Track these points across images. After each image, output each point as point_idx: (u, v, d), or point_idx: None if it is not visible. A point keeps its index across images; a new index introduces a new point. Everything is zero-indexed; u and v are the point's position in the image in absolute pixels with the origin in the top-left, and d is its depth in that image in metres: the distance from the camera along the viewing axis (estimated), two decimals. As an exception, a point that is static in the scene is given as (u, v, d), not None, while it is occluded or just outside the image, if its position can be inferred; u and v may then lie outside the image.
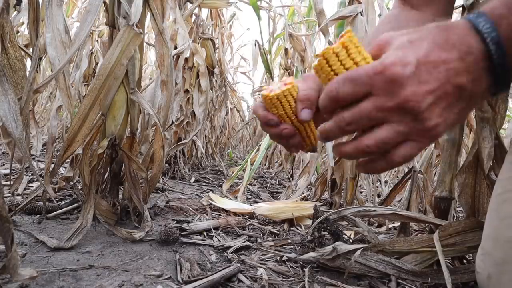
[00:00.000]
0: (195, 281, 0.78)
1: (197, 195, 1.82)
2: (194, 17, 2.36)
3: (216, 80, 3.10)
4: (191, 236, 1.12)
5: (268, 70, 2.66)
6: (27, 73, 0.84)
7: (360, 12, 1.58)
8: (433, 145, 1.64)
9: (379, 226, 1.53)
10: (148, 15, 1.19)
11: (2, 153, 2.24)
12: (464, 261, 0.98)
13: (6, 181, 1.33)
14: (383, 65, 0.37)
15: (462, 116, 0.40)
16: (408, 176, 1.32)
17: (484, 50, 0.37)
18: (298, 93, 0.54)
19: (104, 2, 1.11)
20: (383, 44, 0.40)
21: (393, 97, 0.37)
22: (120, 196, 1.21)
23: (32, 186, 1.44)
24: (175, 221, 1.26)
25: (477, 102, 0.40)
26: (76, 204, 1.20)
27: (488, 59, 0.37)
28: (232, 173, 2.60)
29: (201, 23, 2.45)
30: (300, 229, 1.35)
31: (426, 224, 1.28)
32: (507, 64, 0.37)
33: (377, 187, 2.27)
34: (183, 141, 2.24)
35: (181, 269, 0.85)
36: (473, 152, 0.90)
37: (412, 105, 0.37)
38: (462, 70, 0.37)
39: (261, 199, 1.95)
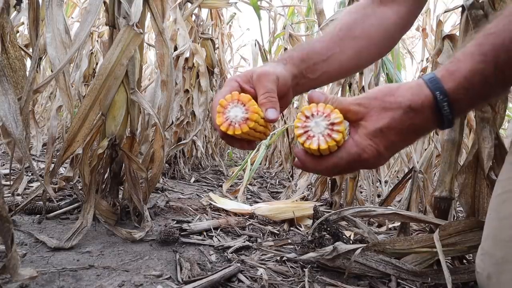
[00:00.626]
0: (195, 281, 0.78)
1: (197, 195, 1.82)
2: (194, 17, 2.37)
3: (216, 80, 3.10)
4: (191, 236, 1.12)
5: (268, 70, 2.65)
6: (27, 73, 0.84)
7: (360, 12, 1.58)
8: (433, 145, 1.64)
9: (379, 226, 1.53)
10: (148, 15, 1.19)
11: (2, 153, 2.24)
12: (464, 261, 0.98)
13: (6, 181, 1.33)
14: (361, 158, 0.49)
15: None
16: (409, 176, 1.32)
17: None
18: (259, 98, 0.55)
19: (104, 2, 1.11)
20: (361, 114, 0.50)
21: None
22: (120, 196, 1.21)
23: (32, 186, 1.44)
24: (175, 221, 1.26)
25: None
26: (76, 204, 1.20)
27: (435, 102, 0.47)
28: (232, 173, 2.60)
29: (201, 23, 2.45)
30: (300, 229, 1.35)
31: (426, 224, 1.28)
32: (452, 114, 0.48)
33: (377, 187, 2.27)
34: (183, 141, 2.24)
35: (181, 269, 0.85)
36: (473, 152, 0.90)
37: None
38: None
39: (261, 199, 1.95)
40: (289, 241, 1.18)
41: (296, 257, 1.00)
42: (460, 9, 1.01)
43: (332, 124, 0.48)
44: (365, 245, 0.95)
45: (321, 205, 1.72)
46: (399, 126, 0.48)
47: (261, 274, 0.88)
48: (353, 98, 0.51)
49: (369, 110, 0.49)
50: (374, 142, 0.48)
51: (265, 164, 3.59)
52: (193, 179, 2.28)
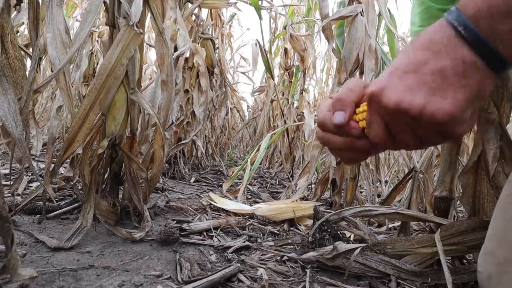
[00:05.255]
0: (195, 281, 0.78)
1: (197, 195, 1.82)
2: (194, 17, 2.37)
3: (216, 80, 3.10)
4: (191, 236, 1.11)
5: (269, 70, 2.66)
6: (27, 73, 0.84)
7: (360, 12, 1.58)
8: (433, 145, 1.64)
9: (379, 226, 1.53)
10: (148, 15, 1.19)
11: (2, 153, 2.24)
12: (464, 261, 0.98)
13: (6, 181, 1.33)
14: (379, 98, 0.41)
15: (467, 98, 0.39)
16: (409, 176, 1.32)
17: (453, 30, 0.37)
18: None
19: (104, 2, 1.11)
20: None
21: None
22: (120, 196, 1.21)
23: (32, 186, 1.44)
24: (175, 221, 1.26)
25: (479, 80, 0.38)
26: (76, 204, 1.20)
27: (459, 36, 0.37)
28: (232, 173, 2.60)
29: (201, 23, 2.45)
30: (300, 229, 1.35)
31: (426, 224, 1.28)
32: (480, 35, 0.36)
33: (377, 187, 2.27)
34: (183, 141, 2.24)
35: (181, 269, 0.85)
36: (477, 153, 0.89)
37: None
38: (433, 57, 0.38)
39: (261, 199, 1.95)
40: (289, 241, 1.17)
41: (296, 257, 1.00)
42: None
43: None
44: (365, 244, 0.95)
45: (321, 205, 1.72)
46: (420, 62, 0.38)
47: (261, 274, 0.88)
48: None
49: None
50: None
51: (265, 164, 3.59)
52: (193, 179, 2.28)
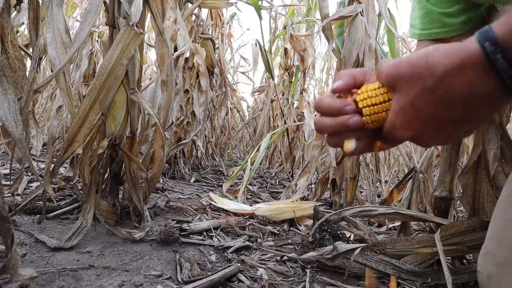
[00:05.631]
0: (195, 281, 0.78)
1: (197, 195, 1.82)
2: (194, 17, 2.36)
3: (216, 80, 3.10)
4: (191, 236, 1.11)
5: (269, 70, 2.66)
6: (27, 73, 0.84)
7: (360, 12, 1.58)
8: (433, 145, 1.64)
9: (379, 226, 1.53)
10: (148, 15, 1.19)
11: (2, 153, 2.24)
12: (464, 261, 0.98)
13: (6, 181, 1.33)
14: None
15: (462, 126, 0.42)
16: (409, 176, 1.32)
17: (478, 50, 0.36)
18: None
19: (104, 2, 1.11)
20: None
21: None
22: (120, 196, 1.21)
23: (32, 186, 1.44)
24: (175, 221, 1.26)
25: (487, 106, 0.38)
26: (76, 204, 1.20)
27: (484, 56, 0.35)
28: (232, 173, 2.60)
29: (201, 23, 2.45)
30: (300, 229, 1.35)
31: (426, 224, 1.28)
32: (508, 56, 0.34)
33: (377, 187, 2.27)
34: (183, 141, 2.24)
35: (181, 269, 0.85)
36: (477, 153, 0.89)
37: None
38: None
39: (261, 199, 1.95)
40: (289, 241, 1.17)
41: (296, 257, 1.00)
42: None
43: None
44: (365, 244, 0.95)
45: (321, 205, 1.72)
46: (431, 96, 0.39)
47: (261, 274, 0.88)
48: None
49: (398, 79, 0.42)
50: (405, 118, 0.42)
51: (265, 164, 3.59)
52: (193, 179, 2.28)
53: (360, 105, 0.46)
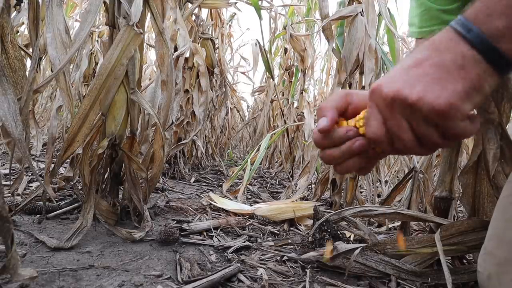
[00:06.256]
0: (195, 281, 0.78)
1: (197, 195, 1.82)
2: (194, 17, 2.36)
3: (216, 80, 3.10)
4: (191, 236, 1.11)
5: (269, 70, 2.66)
6: (27, 73, 0.84)
7: (360, 12, 1.58)
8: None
9: (379, 226, 1.53)
10: (148, 15, 1.19)
11: (2, 153, 2.24)
12: (464, 261, 0.98)
13: (6, 181, 1.33)
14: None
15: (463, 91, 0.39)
16: (409, 176, 1.32)
17: (454, 32, 0.39)
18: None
19: (104, 2, 1.11)
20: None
21: None
22: (120, 196, 1.21)
23: (32, 186, 1.44)
24: (175, 221, 1.26)
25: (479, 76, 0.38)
26: (76, 204, 1.20)
27: (459, 35, 0.38)
28: (232, 173, 2.60)
29: (201, 23, 2.45)
30: (300, 229, 1.35)
31: (426, 224, 1.28)
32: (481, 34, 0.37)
33: (377, 187, 2.27)
34: (183, 141, 2.24)
35: (181, 269, 0.85)
36: (477, 153, 0.89)
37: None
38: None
39: (261, 199, 1.95)
40: (289, 241, 1.17)
41: (296, 257, 1.00)
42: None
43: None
44: (365, 244, 0.95)
45: (321, 205, 1.72)
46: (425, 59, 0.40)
47: (261, 274, 0.88)
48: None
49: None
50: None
51: (265, 164, 3.59)
52: (193, 179, 2.28)
53: (361, 131, 0.46)
